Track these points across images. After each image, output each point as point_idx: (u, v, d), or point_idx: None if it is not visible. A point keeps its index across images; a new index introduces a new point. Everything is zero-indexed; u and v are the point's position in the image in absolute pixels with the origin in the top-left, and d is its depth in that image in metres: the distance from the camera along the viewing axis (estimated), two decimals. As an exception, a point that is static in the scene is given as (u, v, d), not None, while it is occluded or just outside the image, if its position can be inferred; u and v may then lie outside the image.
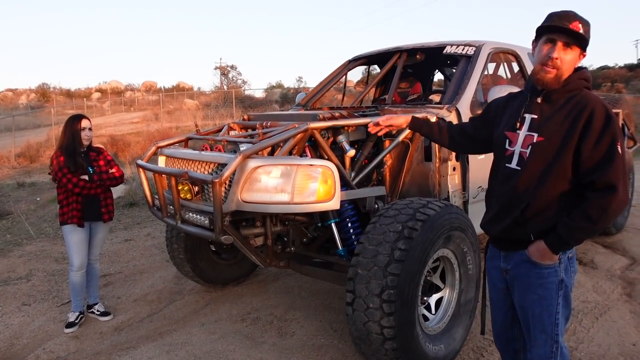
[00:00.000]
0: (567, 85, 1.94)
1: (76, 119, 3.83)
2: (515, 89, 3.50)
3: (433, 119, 2.85)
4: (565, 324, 2.08)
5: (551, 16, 1.94)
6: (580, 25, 1.87)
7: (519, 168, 2.02)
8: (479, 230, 3.21)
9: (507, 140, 2.08)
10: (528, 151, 1.99)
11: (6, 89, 51.45)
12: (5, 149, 15.96)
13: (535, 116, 2.00)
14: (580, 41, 1.89)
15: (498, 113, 2.22)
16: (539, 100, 2.01)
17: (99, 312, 3.98)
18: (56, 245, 6.02)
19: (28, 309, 4.23)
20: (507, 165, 2.06)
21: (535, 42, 2.02)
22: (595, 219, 1.84)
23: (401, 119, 2.72)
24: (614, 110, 1.99)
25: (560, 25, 1.88)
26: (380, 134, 2.91)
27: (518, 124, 2.05)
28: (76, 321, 3.82)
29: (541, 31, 1.96)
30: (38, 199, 9.17)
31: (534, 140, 1.97)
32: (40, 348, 3.54)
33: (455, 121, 3.53)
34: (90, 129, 3.85)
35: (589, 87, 1.99)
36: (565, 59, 1.90)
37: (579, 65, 1.98)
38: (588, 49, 1.94)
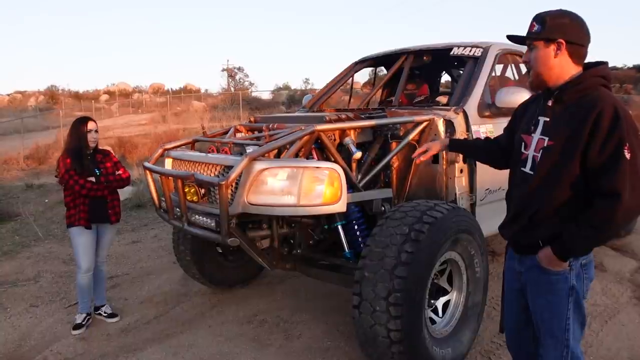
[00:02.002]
0: (580, 84, 1.89)
1: (82, 121, 3.84)
2: (524, 91, 3.49)
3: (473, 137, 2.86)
4: (582, 330, 2.03)
5: None
6: (534, 23, 1.93)
7: (532, 172, 1.99)
8: (486, 232, 3.20)
9: (523, 144, 2.05)
10: (539, 155, 1.96)
11: (15, 91, 52.12)
12: (14, 151, 16.05)
13: (548, 119, 1.97)
14: (538, 37, 1.91)
15: (520, 117, 2.20)
16: (550, 102, 1.98)
17: (106, 314, 3.99)
18: (64, 246, 6.04)
19: (36, 310, 4.25)
20: (522, 169, 2.05)
21: None
22: (600, 227, 1.80)
23: (438, 145, 2.71)
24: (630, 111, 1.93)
25: (518, 36, 2.01)
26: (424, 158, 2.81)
27: (532, 127, 2.02)
28: (83, 323, 3.83)
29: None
30: (46, 200, 9.21)
31: (545, 144, 1.94)
32: (47, 349, 3.55)
33: (462, 123, 3.52)
34: (96, 131, 3.86)
35: (607, 84, 1.91)
36: (532, 57, 1.95)
37: (598, 61, 1.94)
38: (572, 37, 1.88)
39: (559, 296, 1.96)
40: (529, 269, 2.05)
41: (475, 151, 2.63)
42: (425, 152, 2.71)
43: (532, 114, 2.08)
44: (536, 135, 1.99)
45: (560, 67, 1.92)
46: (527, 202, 1.99)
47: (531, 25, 1.94)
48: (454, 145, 2.72)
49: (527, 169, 2.01)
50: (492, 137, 2.55)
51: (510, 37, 2.10)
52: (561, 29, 1.89)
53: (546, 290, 1.99)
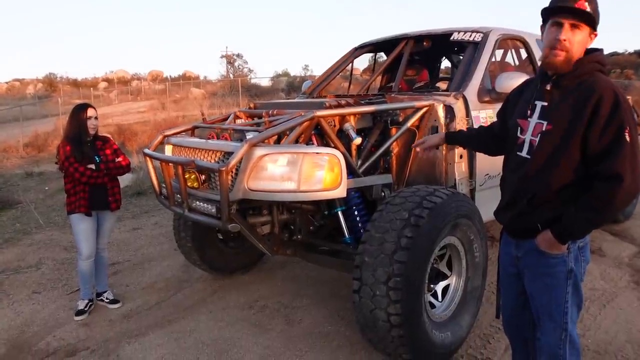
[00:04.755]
0: (578, 69, 1.88)
1: (82, 108, 3.83)
2: (524, 76, 3.48)
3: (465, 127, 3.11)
4: (578, 312, 2.06)
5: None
6: (586, 4, 1.81)
7: (528, 156, 1.99)
8: (485, 217, 3.21)
9: (519, 128, 2.05)
10: (537, 139, 1.96)
11: (14, 79, 51.92)
12: (13, 139, 16.03)
13: (546, 103, 1.97)
14: (588, 20, 1.83)
15: (514, 102, 2.18)
16: (548, 87, 1.97)
17: (108, 300, 4.02)
18: (65, 234, 6.07)
19: (38, 297, 4.28)
20: (518, 153, 2.04)
21: (543, 26, 1.97)
22: (600, 209, 1.81)
23: (436, 139, 2.80)
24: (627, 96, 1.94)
25: (566, 6, 1.83)
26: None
27: (529, 112, 2.02)
28: (85, 309, 3.86)
29: (547, 13, 1.91)
30: (46, 188, 9.23)
31: (544, 128, 1.94)
32: (50, 335, 3.59)
33: (461, 108, 3.51)
34: (96, 117, 3.85)
35: (603, 70, 1.92)
36: (574, 40, 1.84)
37: (592, 46, 1.93)
38: (599, 29, 1.88)
39: (558, 279, 1.98)
40: (527, 253, 2.06)
41: (469, 142, 2.67)
42: (423, 143, 2.79)
43: (528, 98, 2.07)
44: (533, 120, 1.99)
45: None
46: (523, 187, 2.00)
47: (582, 4, 1.81)
48: (450, 139, 2.74)
49: (524, 153, 2.02)
50: (485, 126, 2.57)
51: (556, 10, 1.87)
52: (598, 18, 1.87)
53: (545, 273, 2.01)
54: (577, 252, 1.98)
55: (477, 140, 2.55)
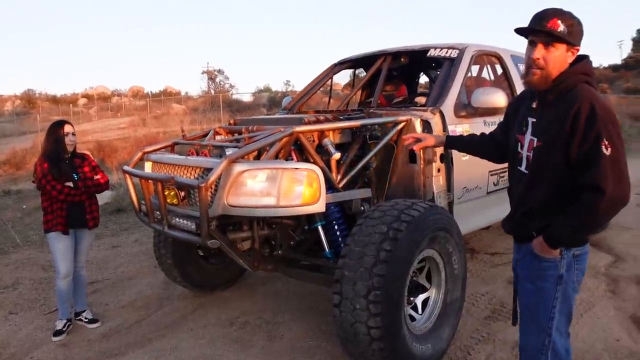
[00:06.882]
0: (561, 83, 1.91)
1: (59, 124, 3.80)
2: (499, 91, 3.58)
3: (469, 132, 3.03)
4: (568, 322, 2.08)
5: (532, 17, 1.95)
6: (559, 22, 1.85)
7: (526, 172, 2.05)
8: (464, 230, 3.26)
9: (519, 144, 2.11)
10: (531, 155, 2.02)
11: (-10, 95, 51.02)
12: (-10, 157, 15.80)
13: (535, 120, 2.03)
14: (562, 39, 1.87)
15: (514, 113, 2.24)
16: (534, 104, 2.03)
17: (86, 320, 3.96)
18: (43, 253, 5.97)
19: (15, 317, 4.19)
20: (518, 168, 2.12)
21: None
22: (584, 219, 1.87)
23: (433, 141, 2.74)
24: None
25: (536, 28, 1.89)
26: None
27: (524, 128, 2.07)
28: (64, 329, 3.79)
29: (521, 34, 1.98)
30: (24, 206, 9.08)
31: (535, 144, 2.00)
32: (28, 357, 3.52)
33: (439, 123, 3.57)
34: (73, 134, 3.83)
35: (590, 81, 1.93)
36: (549, 57, 1.89)
37: (579, 54, 1.95)
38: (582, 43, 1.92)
39: (548, 282, 2.02)
40: (524, 256, 2.12)
41: (470, 147, 2.67)
42: (419, 141, 2.73)
43: (523, 114, 2.12)
44: (528, 136, 2.05)
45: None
46: (522, 200, 2.07)
47: (553, 22, 1.86)
48: (451, 142, 2.75)
49: (523, 168, 2.08)
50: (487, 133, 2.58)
51: (526, 30, 1.94)
52: (579, 36, 1.92)
53: (536, 276, 2.05)
54: (570, 259, 2.01)
55: (479, 146, 2.57)
